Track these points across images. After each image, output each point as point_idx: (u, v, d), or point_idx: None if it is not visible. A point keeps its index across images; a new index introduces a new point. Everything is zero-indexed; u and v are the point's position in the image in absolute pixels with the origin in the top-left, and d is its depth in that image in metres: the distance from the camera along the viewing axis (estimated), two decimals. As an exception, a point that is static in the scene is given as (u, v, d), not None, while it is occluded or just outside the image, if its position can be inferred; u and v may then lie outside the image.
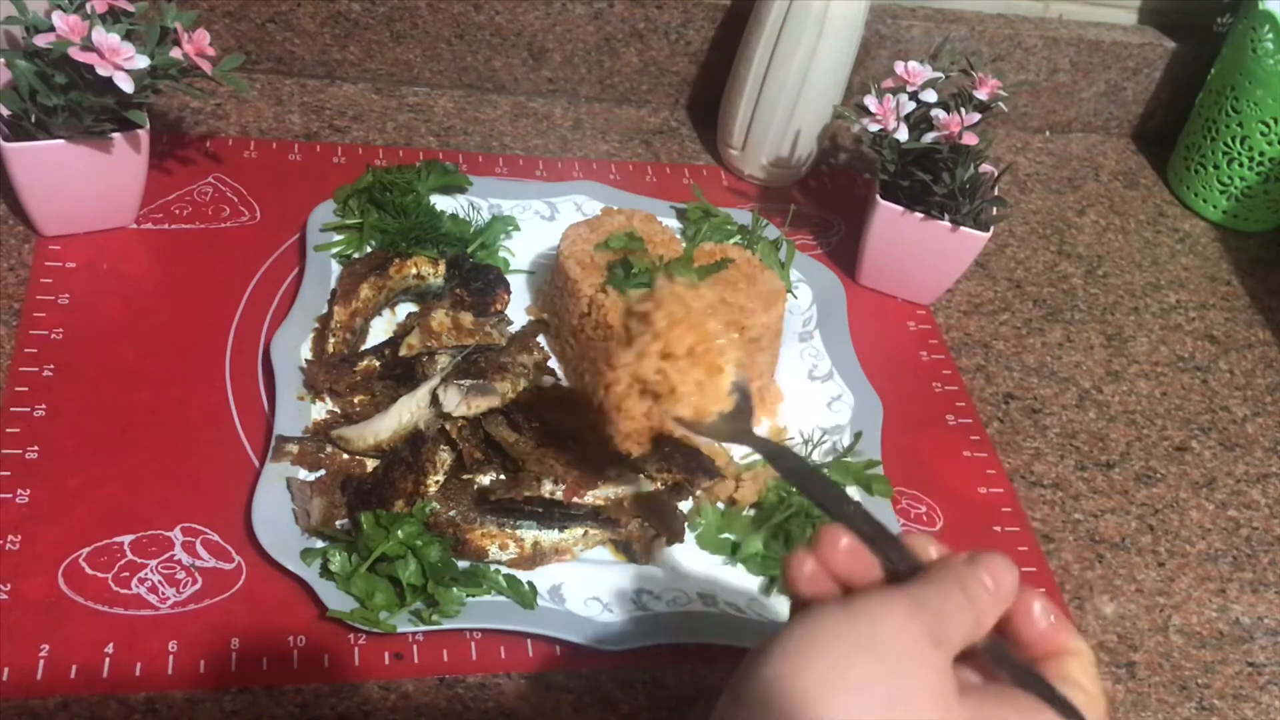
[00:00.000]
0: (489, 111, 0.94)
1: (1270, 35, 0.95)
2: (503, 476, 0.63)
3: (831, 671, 0.35)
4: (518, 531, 0.62)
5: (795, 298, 0.82)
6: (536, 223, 0.83)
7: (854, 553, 0.40)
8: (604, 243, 0.73)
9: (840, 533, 0.40)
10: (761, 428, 0.73)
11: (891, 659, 0.36)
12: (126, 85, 0.65)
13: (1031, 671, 0.39)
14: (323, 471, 0.63)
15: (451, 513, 0.62)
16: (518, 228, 0.82)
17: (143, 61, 0.66)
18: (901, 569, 0.40)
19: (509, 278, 0.75)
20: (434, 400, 0.64)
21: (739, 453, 0.71)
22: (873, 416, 0.74)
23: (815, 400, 0.76)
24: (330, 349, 0.69)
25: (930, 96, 0.80)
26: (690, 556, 0.65)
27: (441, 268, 0.74)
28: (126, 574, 0.58)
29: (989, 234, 0.80)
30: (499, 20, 0.92)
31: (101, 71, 0.64)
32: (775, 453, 0.49)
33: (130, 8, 0.68)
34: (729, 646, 0.61)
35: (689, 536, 0.66)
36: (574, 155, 0.92)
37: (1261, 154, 0.99)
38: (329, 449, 0.64)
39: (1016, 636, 0.40)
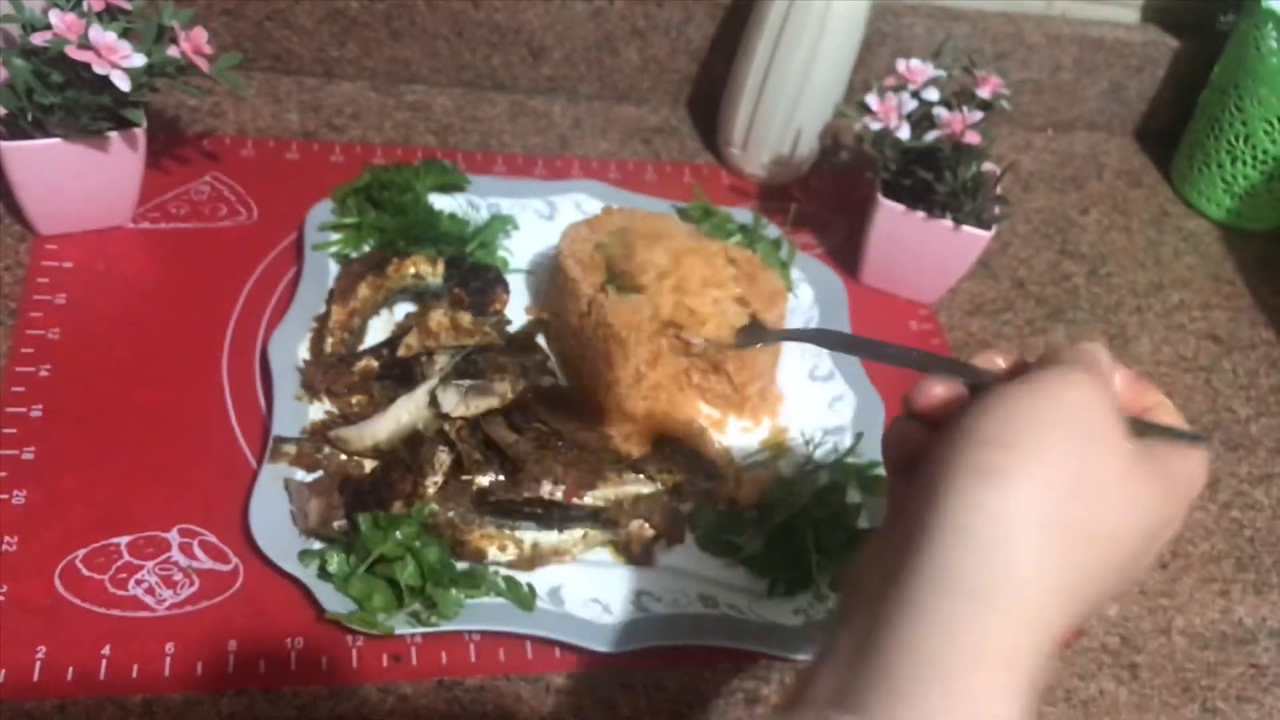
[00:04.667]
0: (488, 110, 0.94)
1: (1274, 34, 0.94)
2: (502, 477, 0.63)
3: (1032, 448, 0.36)
4: (517, 533, 0.62)
5: (796, 297, 0.82)
6: (536, 222, 0.83)
7: (949, 392, 0.41)
8: (604, 242, 0.73)
9: (931, 382, 0.41)
10: (762, 428, 0.73)
11: (1083, 428, 0.37)
12: (123, 83, 0.65)
13: (1149, 423, 0.41)
14: (320, 473, 0.63)
15: (450, 514, 0.62)
16: (517, 227, 0.81)
17: (139, 60, 0.66)
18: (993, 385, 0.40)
19: (508, 277, 0.75)
20: (432, 401, 0.64)
21: (740, 453, 0.71)
22: (875, 416, 0.74)
23: (817, 400, 0.76)
24: (328, 349, 0.69)
25: (932, 95, 0.79)
26: (690, 557, 0.65)
27: (440, 267, 0.73)
28: (123, 575, 0.58)
29: (991, 233, 0.80)
30: (498, 18, 0.92)
31: (98, 70, 0.64)
32: (812, 336, 0.49)
33: (127, 6, 0.68)
34: (730, 648, 0.61)
35: (689, 537, 0.66)
36: (573, 154, 0.92)
37: (1265, 153, 0.98)
38: (327, 450, 0.64)
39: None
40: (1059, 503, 0.35)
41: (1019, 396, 0.37)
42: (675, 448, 0.68)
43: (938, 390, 0.41)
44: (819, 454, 0.71)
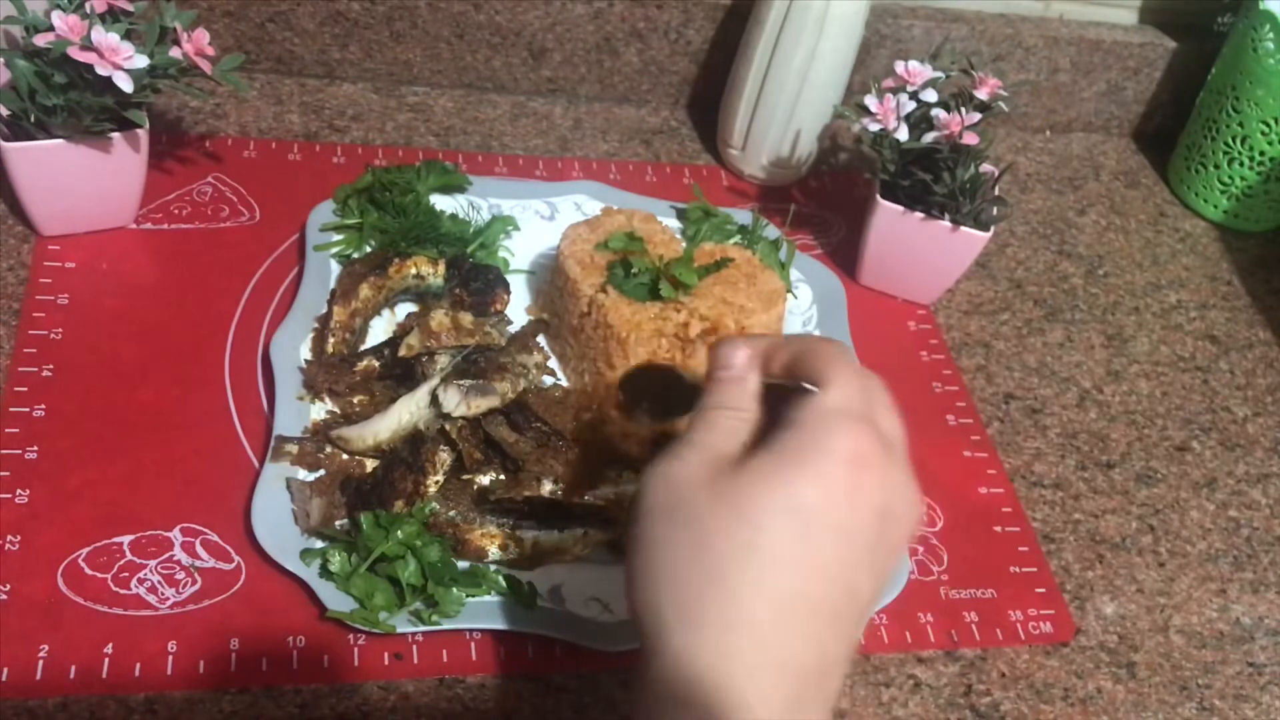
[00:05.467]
0: (489, 111, 0.94)
1: (1271, 35, 0.95)
2: (503, 477, 0.63)
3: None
4: (517, 532, 0.62)
5: (795, 298, 0.82)
6: (536, 223, 0.83)
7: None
8: (604, 243, 0.73)
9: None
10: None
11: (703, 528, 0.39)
12: (126, 85, 0.65)
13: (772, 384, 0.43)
14: (322, 472, 0.63)
15: (451, 513, 0.62)
16: (517, 227, 0.82)
17: (142, 61, 0.66)
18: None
19: (509, 278, 0.75)
20: (434, 400, 0.64)
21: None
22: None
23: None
24: (330, 349, 0.69)
25: (930, 96, 0.80)
26: (690, 557, 0.65)
27: (441, 268, 0.74)
28: (126, 574, 0.58)
29: (989, 234, 0.80)
30: (499, 20, 0.92)
31: (101, 71, 0.64)
32: None
33: (129, 7, 0.68)
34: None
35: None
36: (574, 155, 0.92)
37: (1262, 154, 0.99)
38: (328, 449, 0.64)
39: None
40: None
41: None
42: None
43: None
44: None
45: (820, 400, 0.40)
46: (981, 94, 0.79)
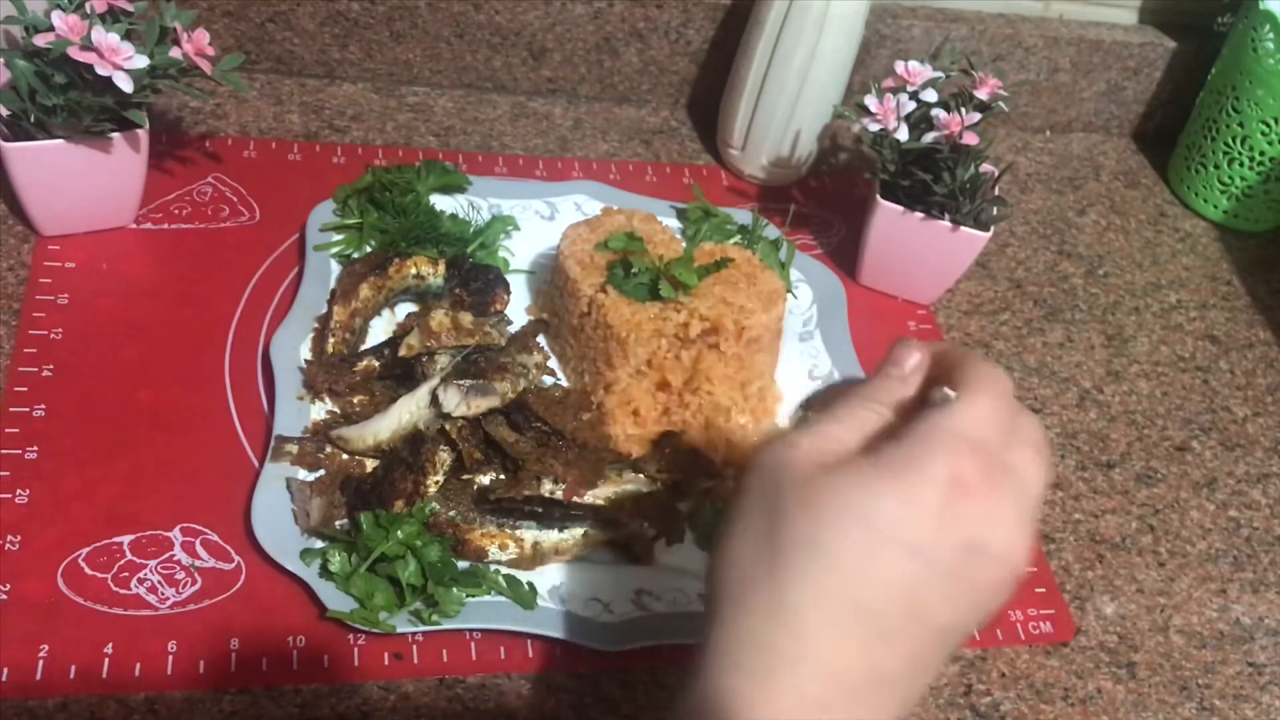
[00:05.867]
0: (489, 111, 0.94)
1: (1271, 35, 0.95)
2: (503, 476, 0.63)
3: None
4: (518, 532, 0.62)
5: (795, 298, 0.82)
6: (536, 223, 0.83)
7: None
8: (604, 243, 0.73)
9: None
10: (761, 427, 0.73)
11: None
12: (126, 85, 0.65)
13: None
14: (322, 472, 0.63)
15: (451, 513, 0.62)
16: (517, 227, 0.82)
17: (142, 61, 0.66)
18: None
19: (509, 278, 0.75)
20: (434, 400, 0.64)
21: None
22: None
23: (815, 400, 0.76)
24: (330, 349, 0.69)
25: (930, 96, 0.80)
26: (690, 556, 0.65)
27: (441, 268, 0.74)
28: (126, 574, 0.58)
29: (989, 234, 0.80)
30: (499, 20, 0.92)
31: (101, 71, 0.64)
32: None
33: (129, 7, 0.68)
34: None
35: (688, 536, 0.66)
36: (574, 155, 0.92)
37: (1262, 154, 0.99)
38: (328, 449, 0.64)
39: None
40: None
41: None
42: (675, 448, 0.68)
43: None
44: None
45: (942, 418, 0.39)
46: (981, 94, 0.79)
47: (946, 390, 0.41)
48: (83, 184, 0.71)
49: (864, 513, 0.37)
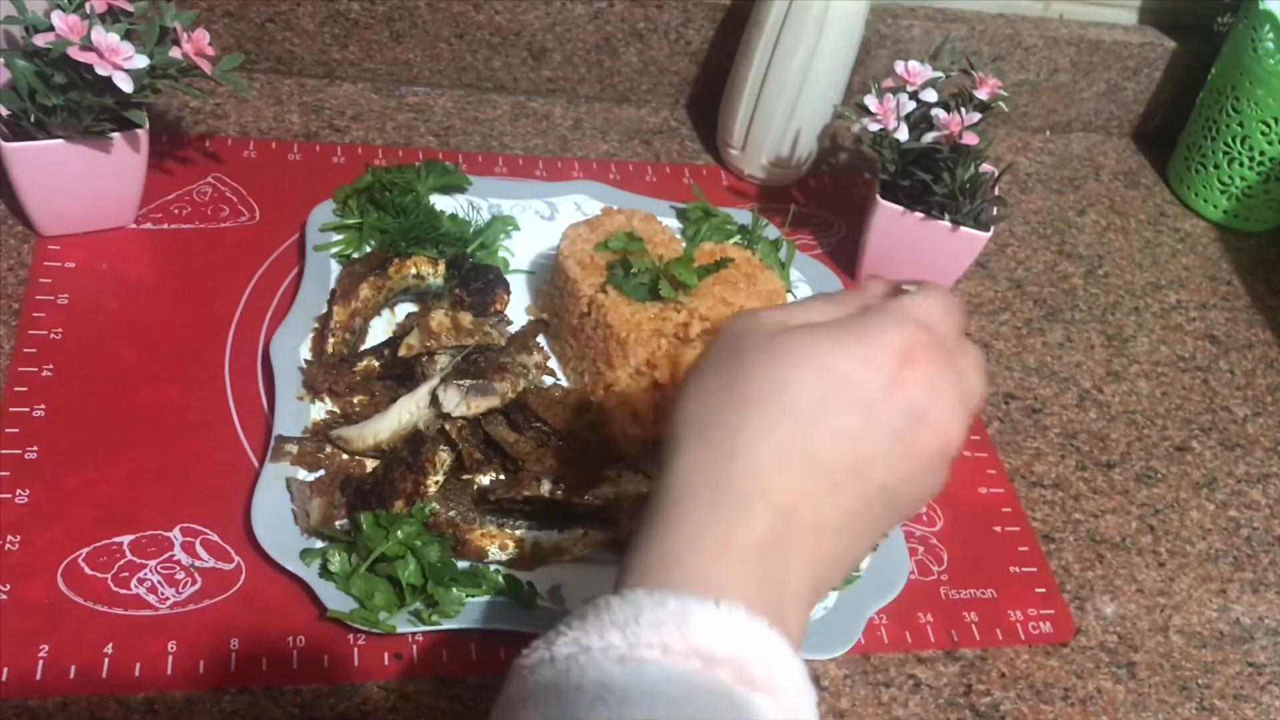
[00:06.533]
0: (489, 111, 0.94)
1: (1270, 35, 0.95)
2: (503, 476, 0.63)
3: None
4: (517, 532, 0.62)
5: (795, 297, 0.82)
6: (536, 223, 0.83)
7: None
8: (604, 243, 0.73)
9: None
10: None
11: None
12: (126, 85, 0.65)
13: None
14: (322, 472, 0.63)
15: (451, 513, 0.62)
16: (517, 228, 0.82)
17: (142, 61, 0.66)
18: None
19: (509, 278, 0.75)
20: (434, 400, 0.64)
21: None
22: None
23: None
24: (330, 349, 0.69)
25: (930, 96, 0.80)
26: (690, 557, 0.65)
27: (441, 268, 0.74)
28: (126, 574, 0.58)
29: (989, 234, 0.80)
30: (499, 20, 0.92)
31: (101, 71, 0.64)
32: None
33: (129, 7, 0.68)
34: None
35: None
36: (574, 155, 0.92)
37: (1262, 154, 0.99)
38: (328, 449, 0.64)
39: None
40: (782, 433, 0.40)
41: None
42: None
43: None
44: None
45: (899, 301, 0.43)
46: (981, 94, 0.79)
47: (907, 285, 0.45)
48: (83, 184, 0.71)
49: (823, 365, 0.40)
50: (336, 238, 0.77)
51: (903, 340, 0.41)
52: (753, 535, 0.38)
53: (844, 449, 0.40)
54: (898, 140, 0.79)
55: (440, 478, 0.62)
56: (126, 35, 0.66)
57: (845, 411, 0.40)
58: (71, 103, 0.66)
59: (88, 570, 0.58)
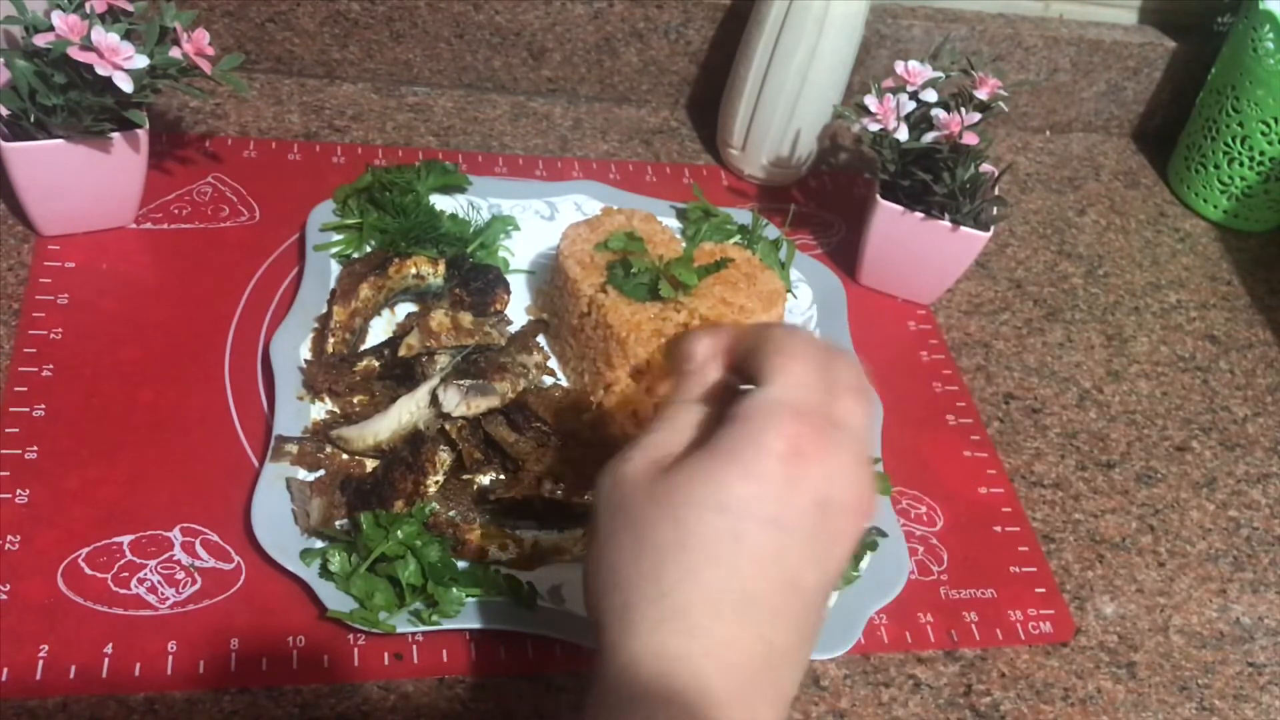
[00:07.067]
0: (489, 111, 0.94)
1: (1270, 35, 0.95)
2: (503, 476, 0.63)
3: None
4: (517, 532, 0.62)
5: (795, 298, 0.82)
6: (536, 223, 0.83)
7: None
8: (604, 243, 0.73)
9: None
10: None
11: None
12: (126, 85, 0.65)
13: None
14: (322, 472, 0.63)
15: (451, 513, 0.62)
16: (517, 227, 0.82)
17: (142, 61, 0.66)
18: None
19: (509, 278, 0.75)
20: (434, 400, 0.64)
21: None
22: (873, 416, 0.74)
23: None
24: (330, 349, 0.69)
25: (930, 96, 0.80)
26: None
27: (441, 268, 0.74)
28: (126, 574, 0.58)
29: (989, 234, 0.80)
30: (499, 20, 0.92)
31: (101, 71, 0.64)
32: None
33: (129, 7, 0.68)
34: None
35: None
36: (574, 155, 0.92)
37: (1262, 154, 0.99)
38: (328, 449, 0.64)
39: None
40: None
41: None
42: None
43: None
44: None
45: (761, 393, 0.40)
46: (981, 94, 0.79)
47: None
48: (83, 184, 0.71)
49: (717, 501, 0.38)
50: (336, 238, 0.77)
51: (783, 442, 0.39)
52: (709, 701, 0.37)
53: (769, 571, 0.39)
54: (898, 140, 0.79)
55: (440, 478, 0.62)
56: (126, 35, 0.66)
57: (758, 535, 0.38)
58: (71, 103, 0.66)
59: (88, 570, 0.58)
